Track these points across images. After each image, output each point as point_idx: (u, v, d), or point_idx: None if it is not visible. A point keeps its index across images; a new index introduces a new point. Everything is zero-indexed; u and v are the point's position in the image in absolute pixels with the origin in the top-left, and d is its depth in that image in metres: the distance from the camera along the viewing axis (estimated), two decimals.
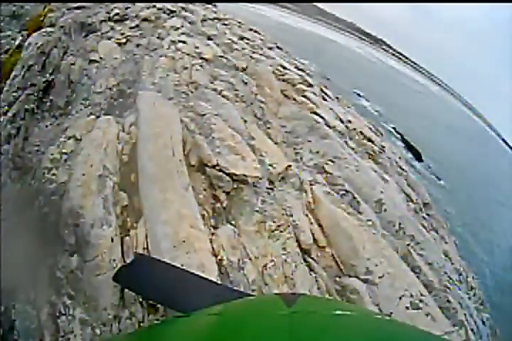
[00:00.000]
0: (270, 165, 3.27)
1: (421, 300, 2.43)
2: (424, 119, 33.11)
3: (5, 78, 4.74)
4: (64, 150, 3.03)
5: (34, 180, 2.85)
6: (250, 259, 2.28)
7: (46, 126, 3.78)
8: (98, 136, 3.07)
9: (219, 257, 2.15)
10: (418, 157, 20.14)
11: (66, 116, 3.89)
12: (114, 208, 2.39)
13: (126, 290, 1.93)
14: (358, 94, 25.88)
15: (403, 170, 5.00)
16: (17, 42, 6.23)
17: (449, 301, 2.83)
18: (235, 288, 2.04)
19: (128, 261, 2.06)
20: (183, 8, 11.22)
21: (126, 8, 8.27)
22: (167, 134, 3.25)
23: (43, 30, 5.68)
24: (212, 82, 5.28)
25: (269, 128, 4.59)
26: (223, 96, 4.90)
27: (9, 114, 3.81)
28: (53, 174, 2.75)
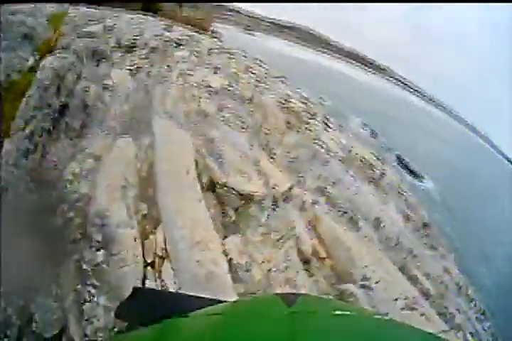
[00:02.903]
0: (274, 185, 3.82)
1: (415, 303, 2.84)
2: (427, 142, 34.43)
3: (19, 95, 5.38)
4: (84, 167, 3.59)
5: (55, 191, 3.37)
6: (256, 263, 2.74)
7: (63, 146, 4.36)
8: (118, 155, 3.66)
9: (229, 256, 2.63)
10: (420, 180, 21.61)
11: (81, 138, 4.49)
12: (136, 216, 2.90)
13: (147, 280, 2.38)
14: (362, 122, 27.46)
15: (403, 193, 5.53)
16: (29, 63, 6.96)
17: (446, 307, 3.23)
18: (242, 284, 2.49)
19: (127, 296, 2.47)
20: (189, 36, 12.32)
21: (135, 38, 9.23)
22: (181, 156, 3.86)
23: (58, 53, 6.42)
24: (219, 112, 5.95)
25: (274, 154, 5.19)
26: (230, 125, 5.54)
27: (26, 131, 4.38)
28: (75, 186, 3.28)
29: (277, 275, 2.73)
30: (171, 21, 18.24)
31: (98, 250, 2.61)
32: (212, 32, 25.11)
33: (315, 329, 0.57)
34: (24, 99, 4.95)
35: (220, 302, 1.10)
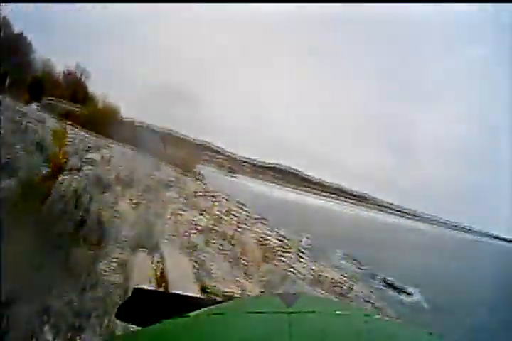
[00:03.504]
0: (249, 291, 5.91)
1: None
2: (413, 257, 36.38)
3: (39, 196, 7.26)
4: (111, 266, 5.66)
5: (89, 277, 5.32)
6: None
7: (83, 251, 6.37)
8: (139, 263, 5.79)
9: None
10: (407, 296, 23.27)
11: (100, 250, 6.58)
12: None
13: None
14: (344, 254, 30.17)
15: (370, 301, 7.48)
16: (44, 172, 8.93)
17: None
18: None
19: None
20: (176, 178, 15.33)
21: (131, 174, 12.01)
22: (183, 267, 6.06)
23: (72, 174, 8.59)
24: (206, 245, 8.27)
25: (251, 279, 7.28)
26: (216, 254, 7.82)
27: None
28: (109, 276, 5.29)
29: None
30: (157, 159, 21.81)
31: None
32: (196, 173, 29.06)
33: (314, 330, 0.65)
34: (48, 203, 6.99)
35: (220, 302, 1.18)
